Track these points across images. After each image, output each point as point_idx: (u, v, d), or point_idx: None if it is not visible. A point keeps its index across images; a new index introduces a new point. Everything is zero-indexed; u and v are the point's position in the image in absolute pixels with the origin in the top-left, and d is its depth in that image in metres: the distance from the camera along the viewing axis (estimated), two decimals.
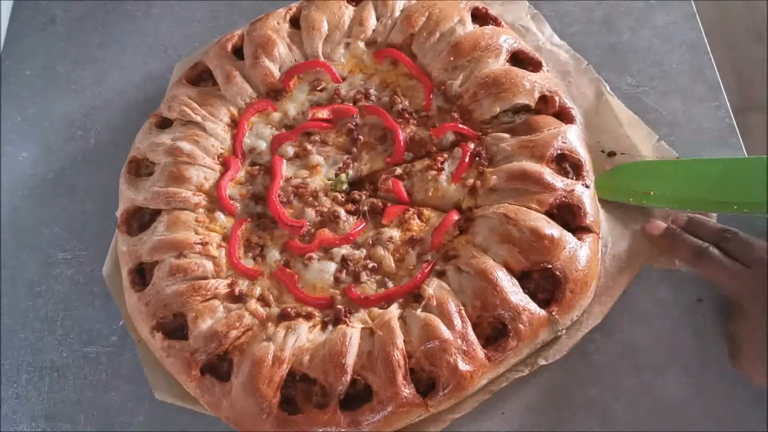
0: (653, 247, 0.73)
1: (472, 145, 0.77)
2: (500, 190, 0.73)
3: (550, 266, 0.68)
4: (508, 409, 0.70)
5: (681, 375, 0.69)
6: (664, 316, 0.72)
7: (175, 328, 0.72)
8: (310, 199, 0.78)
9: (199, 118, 0.82)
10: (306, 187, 0.79)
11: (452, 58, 0.81)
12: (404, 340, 0.66)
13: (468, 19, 0.84)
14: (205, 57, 0.88)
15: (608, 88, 0.83)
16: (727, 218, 0.72)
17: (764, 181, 0.69)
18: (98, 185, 0.88)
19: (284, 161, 0.81)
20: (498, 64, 0.80)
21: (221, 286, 0.72)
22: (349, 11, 0.87)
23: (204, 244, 0.75)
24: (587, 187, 0.73)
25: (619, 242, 0.74)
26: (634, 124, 0.80)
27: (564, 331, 0.70)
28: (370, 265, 0.73)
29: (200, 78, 0.88)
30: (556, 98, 0.78)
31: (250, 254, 0.75)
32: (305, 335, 0.69)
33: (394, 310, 0.69)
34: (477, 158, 0.76)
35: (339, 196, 0.78)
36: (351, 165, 0.80)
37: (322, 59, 0.85)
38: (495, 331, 0.67)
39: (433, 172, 0.76)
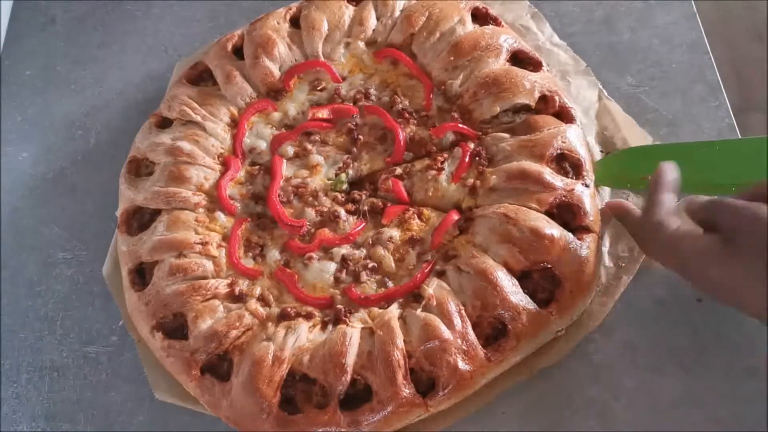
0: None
1: (471, 145, 0.77)
2: (500, 190, 0.73)
3: (549, 266, 0.68)
4: (508, 409, 0.70)
5: (681, 375, 0.69)
6: (664, 316, 0.72)
7: (175, 327, 0.71)
8: (310, 198, 0.78)
9: (199, 118, 0.82)
10: (306, 187, 0.79)
11: (452, 58, 0.81)
12: (404, 340, 0.66)
13: (468, 18, 0.84)
14: (205, 57, 0.88)
15: (606, 93, 0.83)
16: None
17: (763, 162, 0.69)
18: (98, 185, 0.88)
19: (284, 161, 0.81)
20: (498, 64, 0.80)
21: (221, 286, 0.72)
22: (349, 11, 0.87)
23: (204, 243, 0.75)
24: (587, 186, 0.73)
25: (618, 242, 0.74)
26: (631, 125, 0.80)
27: (564, 330, 0.70)
28: (370, 265, 0.73)
29: (200, 78, 0.88)
30: (557, 98, 0.78)
31: (250, 254, 0.75)
32: (305, 335, 0.69)
33: (394, 310, 0.69)
34: (477, 158, 0.76)
35: (339, 196, 0.78)
36: (351, 165, 0.80)
37: (322, 59, 0.85)
38: (495, 331, 0.67)
39: (433, 172, 0.76)
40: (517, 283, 0.68)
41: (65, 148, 0.93)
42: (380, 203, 0.77)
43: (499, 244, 0.69)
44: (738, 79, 1.64)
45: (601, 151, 0.79)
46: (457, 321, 0.66)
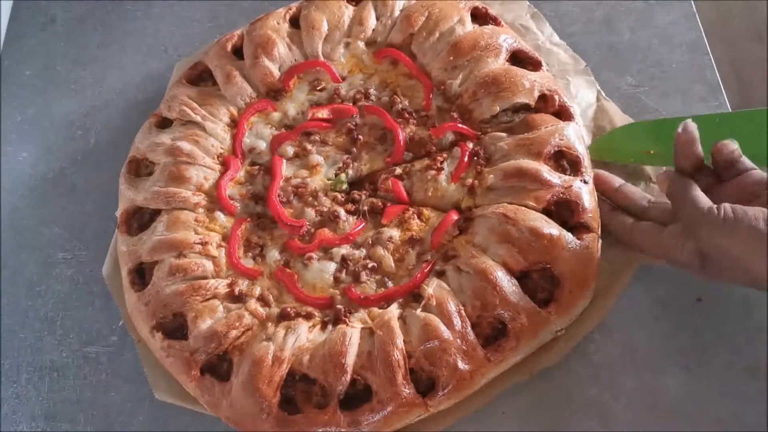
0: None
1: (470, 145, 0.77)
2: (498, 189, 0.73)
3: (549, 266, 0.68)
4: (508, 409, 0.70)
5: (680, 375, 0.69)
6: (664, 316, 0.72)
7: (174, 328, 0.71)
8: (310, 199, 0.78)
9: (198, 118, 0.82)
10: (306, 187, 0.79)
11: (452, 58, 0.81)
12: (404, 340, 0.66)
13: (468, 18, 0.84)
14: (205, 57, 0.88)
15: (603, 94, 0.83)
16: None
17: (764, 134, 0.69)
18: (98, 185, 0.89)
19: (284, 161, 0.81)
20: (498, 64, 0.80)
21: (221, 286, 0.72)
22: (348, 11, 0.87)
23: (204, 243, 0.75)
24: (585, 182, 0.73)
25: (617, 241, 0.74)
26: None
27: (563, 330, 0.70)
28: (370, 265, 0.73)
29: (200, 78, 0.88)
30: (556, 97, 0.78)
31: (250, 254, 0.75)
32: (305, 335, 0.69)
33: (393, 310, 0.69)
34: (475, 158, 0.76)
35: (339, 196, 0.78)
36: (351, 165, 0.80)
37: (322, 59, 0.85)
38: (495, 331, 0.67)
39: (433, 172, 0.76)
40: (516, 283, 0.68)
41: (65, 148, 0.93)
42: (380, 203, 0.77)
43: (499, 244, 0.69)
44: (738, 79, 1.63)
45: None
46: (456, 321, 0.66)
